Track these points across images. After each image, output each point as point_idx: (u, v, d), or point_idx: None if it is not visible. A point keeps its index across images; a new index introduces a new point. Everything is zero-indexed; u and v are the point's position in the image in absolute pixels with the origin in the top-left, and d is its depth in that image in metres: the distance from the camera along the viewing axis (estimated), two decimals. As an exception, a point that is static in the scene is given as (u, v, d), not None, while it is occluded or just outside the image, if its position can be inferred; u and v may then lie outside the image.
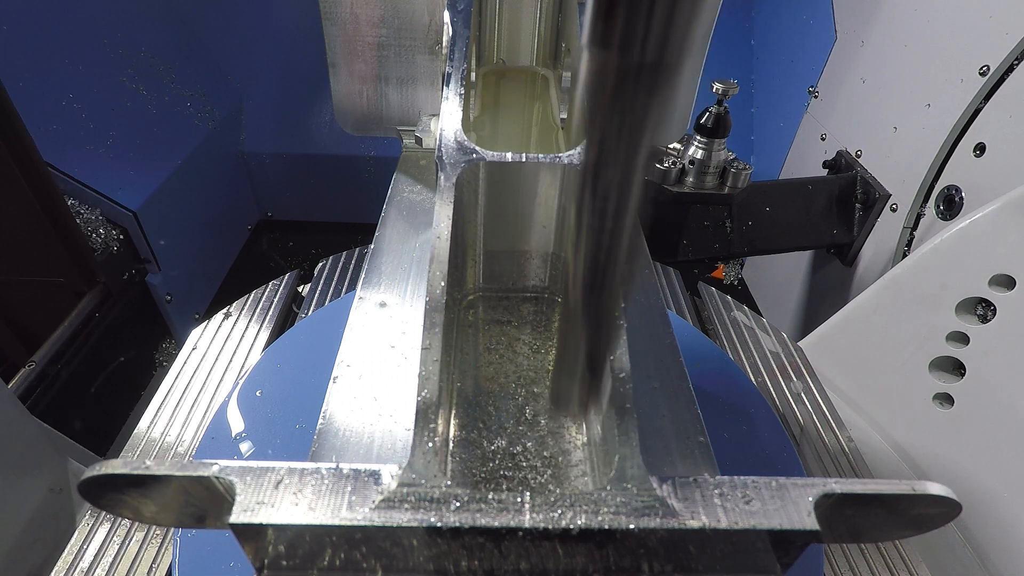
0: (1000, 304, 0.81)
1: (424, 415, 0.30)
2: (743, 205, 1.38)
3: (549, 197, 0.47)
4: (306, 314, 0.95)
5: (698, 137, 1.21)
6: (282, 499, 0.26)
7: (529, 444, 0.39)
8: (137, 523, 0.61)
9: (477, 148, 0.45)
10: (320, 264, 1.07)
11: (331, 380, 0.40)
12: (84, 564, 0.59)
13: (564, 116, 0.67)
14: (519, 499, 0.27)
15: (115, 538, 0.61)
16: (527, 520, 0.26)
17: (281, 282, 0.98)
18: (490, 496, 0.27)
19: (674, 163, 1.23)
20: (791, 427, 0.81)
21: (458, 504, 0.26)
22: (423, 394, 0.31)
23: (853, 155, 1.47)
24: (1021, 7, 1.06)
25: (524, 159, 0.45)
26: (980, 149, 1.13)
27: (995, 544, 0.79)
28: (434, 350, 0.33)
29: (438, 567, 0.28)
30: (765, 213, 1.40)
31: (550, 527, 0.26)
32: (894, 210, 1.33)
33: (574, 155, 0.46)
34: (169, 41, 1.76)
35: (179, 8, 1.82)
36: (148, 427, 0.72)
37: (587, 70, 0.20)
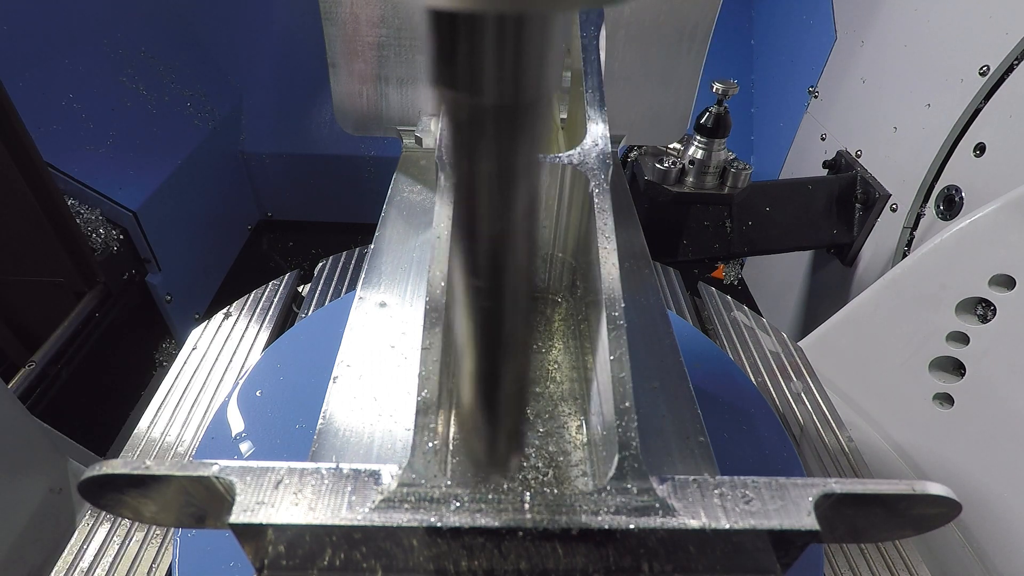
0: (1000, 304, 0.81)
1: (424, 415, 0.30)
2: (743, 205, 1.38)
3: (549, 197, 0.47)
4: (306, 314, 0.95)
5: (698, 137, 1.21)
6: (282, 499, 0.26)
7: (529, 444, 0.39)
8: (137, 523, 0.61)
9: (477, 148, 0.45)
10: (320, 264, 1.07)
11: (331, 380, 0.40)
12: (84, 564, 0.59)
13: (564, 116, 0.67)
14: (519, 499, 0.27)
15: (115, 538, 0.61)
16: (527, 520, 0.26)
17: (281, 282, 0.98)
18: (490, 496, 0.27)
19: (674, 163, 1.23)
20: (791, 427, 0.81)
21: (458, 504, 0.26)
22: (423, 394, 0.31)
23: (853, 155, 1.47)
24: (1021, 7, 1.06)
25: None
26: (980, 149, 1.13)
27: (995, 544, 0.79)
28: (434, 350, 0.33)
29: (438, 567, 0.28)
30: (765, 213, 1.41)
31: (550, 527, 0.26)
32: (894, 210, 1.33)
33: (574, 155, 0.46)
34: (169, 41, 1.76)
35: (179, 8, 1.82)
36: (148, 427, 0.72)
37: (440, 111, 0.18)
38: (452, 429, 0.39)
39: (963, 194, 1.17)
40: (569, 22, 0.57)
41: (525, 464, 0.37)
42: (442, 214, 0.40)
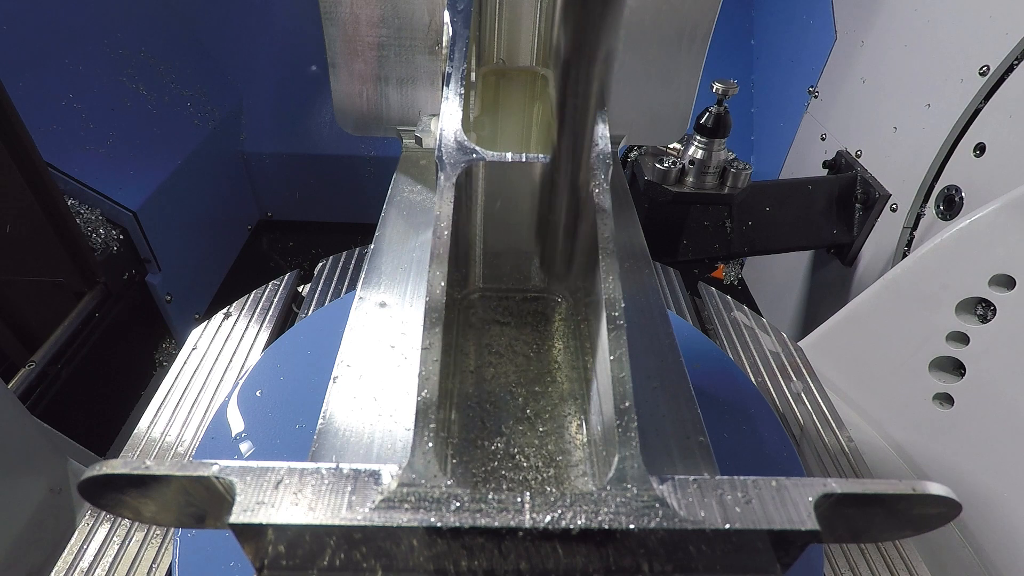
0: (1000, 304, 0.81)
1: (424, 415, 0.30)
2: (743, 205, 1.38)
3: (549, 197, 0.47)
4: (306, 314, 0.95)
5: (698, 137, 1.21)
6: (282, 499, 0.26)
7: (529, 444, 0.39)
8: (137, 523, 0.61)
9: (477, 148, 0.45)
10: (320, 264, 1.07)
11: (331, 380, 0.40)
12: (84, 564, 0.59)
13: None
14: (519, 499, 0.27)
15: (115, 538, 0.61)
16: (527, 520, 0.26)
17: (281, 282, 0.98)
18: (490, 496, 0.27)
19: (674, 163, 1.23)
20: (791, 427, 0.81)
21: (458, 504, 0.26)
22: (423, 394, 0.31)
23: (853, 155, 1.47)
24: (1021, 7, 1.06)
25: (524, 159, 0.45)
26: (980, 149, 1.13)
27: (995, 544, 0.79)
28: (434, 350, 0.33)
29: (438, 567, 0.28)
30: (765, 213, 1.41)
31: (550, 527, 0.26)
32: (894, 210, 1.33)
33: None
34: (169, 41, 1.76)
35: (179, 8, 1.82)
36: (148, 427, 0.72)
37: None
38: (452, 429, 0.39)
39: (963, 194, 1.17)
40: None
41: (525, 464, 0.37)
42: (442, 214, 0.40)
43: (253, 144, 1.94)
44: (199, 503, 0.27)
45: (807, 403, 0.84)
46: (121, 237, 1.37)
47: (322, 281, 1.02)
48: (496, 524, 0.26)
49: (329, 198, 2.05)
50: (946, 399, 0.87)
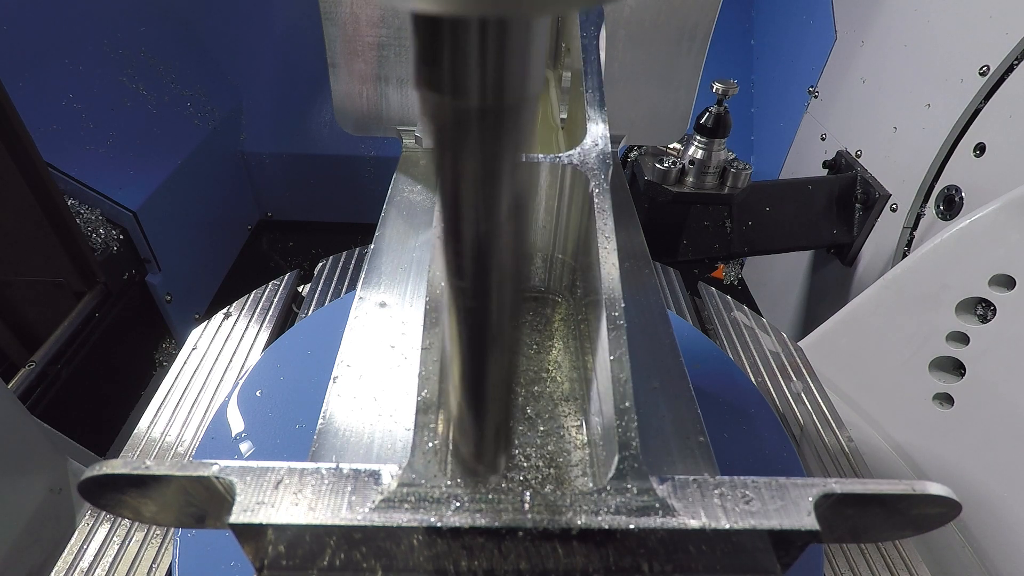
0: (1000, 304, 0.81)
1: (424, 415, 0.30)
2: (743, 205, 1.38)
3: (549, 197, 0.47)
4: (306, 314, 0.95)
5: (698, 137, 1.21)
6: (282, 499, 0.26)
7: (529, 444, 0.39)
8: (137, 523, 0.61)
9: (477, 148, 0.45)
10: (320, 264, 1.07)
11: (331, 380, 0.40)
12: (84, 564, 0.59)
13: (564, 116, 0.67)
14: (519, 499, 0.27)
15: (115, 538, 0.61)
16: (527, 520, 0.26)
17: (281, 282, 0.98)
18: (490, 496, 0.27)
19: (674, 163, 1.23)
20: (791, 427, 0.81)
21: (458, 504, 0.26)
22: (423, 394, 0.31)
23: (853, 155, 1.47)
24: (1021, 7, 1.06)
25: (524, 159, 0.45)
26: (980, 149, 1.13)
27: (995, 544, 0.79)
28: (434, 350, 0.33)
29: (438, 567, 0.28)
30: (765, 213, 1.41)
31: (550, 527, 0.26)
32: (894, 210, 1.33)
33: (574, 155, 0.46)
34: (169, 41, 1.76)
35: (179, 8, 1.82)
36: (148, 427, 0.72)
37: (423, 114, 0.18)
38: (452, 429, 0.39)
39: (963, 194, 1.17)
40: (547, 25, 0.57)
41: (525, 464, 0.37)
42: (442, 214, 0.40)
43: (253, 144, 1.94)
44: (199, 503, 0.27)
45: (807, 403, 0.84)
46: (121, 237, 1.37)
47: (322, 281, 1.02)
48: (496, 524, 0.26)
49: (329, 198, 2.05)
50: (946, 399, 0.87)
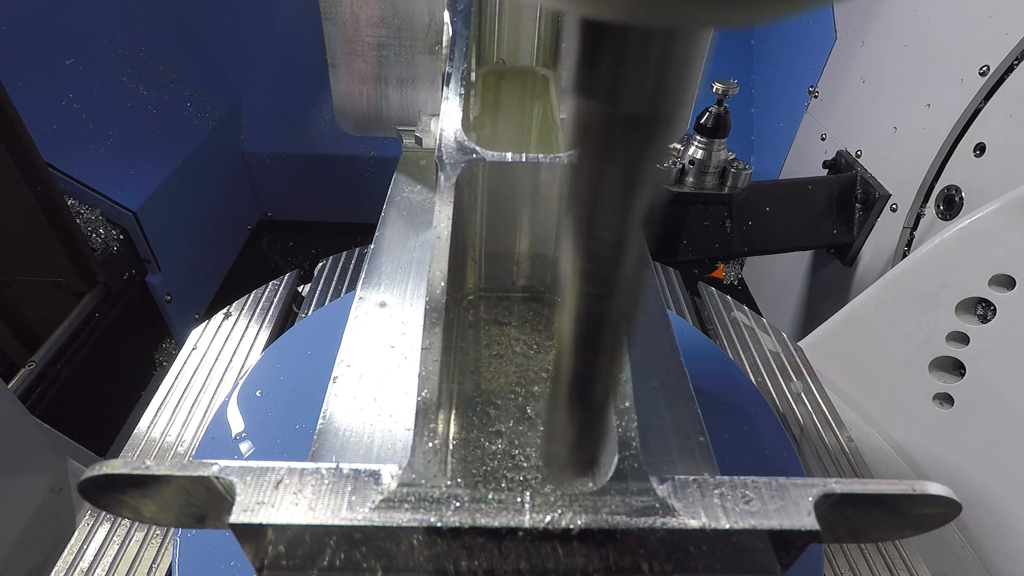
0: (1000, 304, 0.81)
1: (424, 415, 0.30)
2: (743, 205, 1.38)
3: (549, 197, 0.47)
4: (306, 314, 0.95)
5: (698, 137, 1.21)
6: (282, 499, 0.26)
7: (529, 444, 0.39)
8: (137, 523, 0.61)
9: (477, 148, 0.45)
10: (320, 264, 1.07)
11: (331, 380, 0.40)
12: (84, 564, 0.59)
13: (564, 116, 0.67)
14: (519, 499, 0.27)
15: (115, 538, 0.61)
16: (527, 520, 0.26)
17: (281, 282, 0.98)
18: (490, 496, 0.27)
19: (674, 163, 1.23)
20: (791, 427, 0.81)
21: (458, 504, 0.26)
22: (423, 394, 0.31)
23: (853, 155, 1.47)
24: (1021, 7, 1.06)
25: (524, 159, 0.45)
26: (980, 149, 1.13)
27: (995, 544, 0.79)
28: (434, 350, 0.33)
29: (438, 567, 0.28)
30: (765, 213, 1.41)
31: (550, 527, 0.26)
32: (894, 210, 1.33)
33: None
34: (169, 41, 1.76)
35: (179, 8, 1.82)
36: (148, 427, 0.72)
37: (572, 119, 0.18)
38: (452, 429, 0.39)
39: (963, 194, 1.17)
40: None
41: (525, 464, 0.37)
42: (442, 214, 0.40)
43: (253, 144, 1.94)
44: (199, 503, 0.27)
45: (807, 403, 0.84)
46: (121, 237, 1.37)
47: (322, 281, 1.02)
48: (496, 524, 0.26)
49: (329, 198, 2.05)
50: (946, 399, 0.87)
